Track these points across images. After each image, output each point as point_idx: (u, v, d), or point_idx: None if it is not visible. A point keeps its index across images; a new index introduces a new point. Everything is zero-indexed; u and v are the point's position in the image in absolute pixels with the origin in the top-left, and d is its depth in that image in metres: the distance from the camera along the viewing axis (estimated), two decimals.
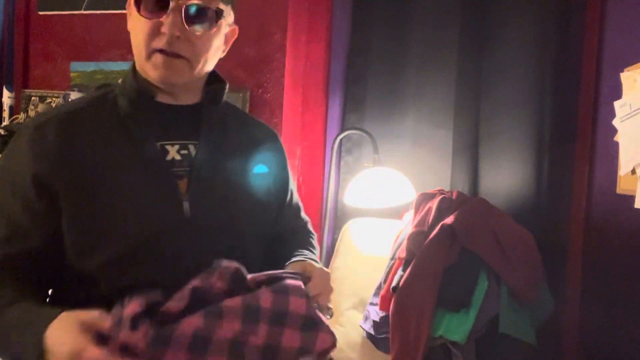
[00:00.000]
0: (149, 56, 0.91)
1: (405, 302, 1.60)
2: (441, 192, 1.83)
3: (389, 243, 1.82)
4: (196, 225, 0.93)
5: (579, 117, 1.89)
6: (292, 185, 1.17)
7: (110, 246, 0.88)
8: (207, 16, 0.91)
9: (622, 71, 1.69)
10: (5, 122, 2.22)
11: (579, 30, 1.89)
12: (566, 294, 1.87)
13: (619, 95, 1.70)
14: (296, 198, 1.19)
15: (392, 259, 1.76)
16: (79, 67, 2.26)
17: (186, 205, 0.92)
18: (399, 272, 1.67)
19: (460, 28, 2.00)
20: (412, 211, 1.82)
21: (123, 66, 2.23)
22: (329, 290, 0.95)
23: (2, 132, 2.01)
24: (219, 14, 0.92)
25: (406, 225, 1.81)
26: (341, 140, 2.07)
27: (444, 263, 1.61)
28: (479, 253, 1.61)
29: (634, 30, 1.70)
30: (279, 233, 1.11)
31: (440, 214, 1.70)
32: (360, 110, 2.14)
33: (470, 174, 2.02)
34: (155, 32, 0.89)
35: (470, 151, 2.02)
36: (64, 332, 0.76)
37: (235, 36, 1.04)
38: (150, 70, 0.92)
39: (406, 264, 1.65)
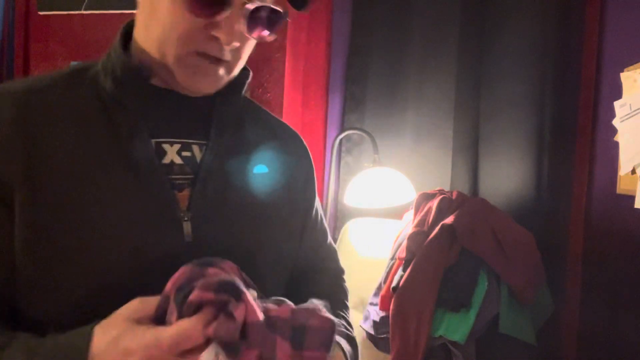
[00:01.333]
0: (182, 58, 0.69)
1: (405, 302, 1.60)
2: (441, 192, 1.83)
3: (389, 243, 1.82)
4: (200, 252, 0.66)
5: (579, 117, 1.89)
6: (317, 202, 0.92)
7: (74, 283, 0.63)
8: (274, 21, 0.71)
9: (622, 71, 1.69)
10: None
11: (579, 30, 1.89)
12: (566, 294, 1.87)
13: (619, 95, 1.70)
14: (321, 219, 0.94)
15: (392, 259, 1.76)
16: None
17: (187, 226, 0.69)
18: (399, 272, 1.67)
19: (460, 28, 2.00)
20: (412, 211, 1.82)
21: None
22: None
23: None
24: (285, 15, 0.72)
25: (406, 225, 1.80)
26: (341, 140, 2.07)
27: (444, 263, 1.61)
28: (479, 253, 1.61)
29: (634, 30, 1.70)
30: (297, 267, 0.86)
31: (440, 214, 1.70)
32: (360, 110, 2.14)
33: (470, 174, 2.02)
34: (201, 33, 0.67)
35: (470, 151, 2.02)
36: (119, 338, 0.56)
37: None
38: (181, 74, 0.69)
39: (406, 264, 1.65)
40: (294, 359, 0.62)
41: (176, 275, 0.61)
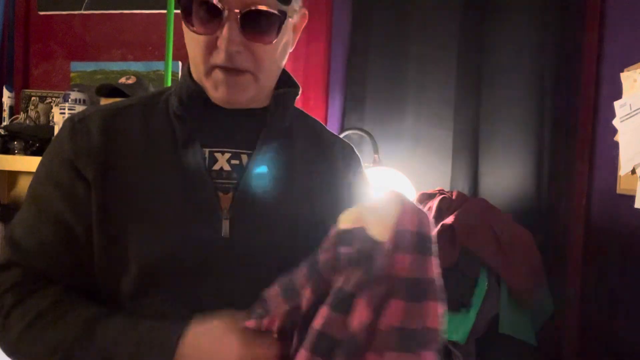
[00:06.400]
0: (208, 73, 0.78)
1: None
2: (441, 192, 1.83)
3: None
4: (235, 248, 0.79)
5: (579, 117, 1.89)
6: None
7: (131, 264, 0.76)
8: (269, 23, 0.76)
9: (622, 71, 1.69)
10: (5, 122, 2.21)
11: (579, 30, 1.89)
12: (566, 294, 1.87)
13: (619, 95, 1.70)
14: None
15: None
16: (79, 67, 2.26)
17: (226, 224, 0.79)
18: None
19: (460, 28, 2.00)
20: None
21: (123, 66, 2.23)
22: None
23: (2, 132, 2.01)
24: (282, 15, 0.76)
25: None
26: None
27: (444, 263, 1.60)
28: (479, 253, 1.61)
29: (634, 30, 1.70)
30: None
31: (440, 214, 1.70)
32: (360, 110, 2.14)
33: (470, 174, 2.02)
34: (212, 46, 0.76)
35: (470, 151, 2.02)
36: (214, 338, 0.69)
37: (306, 21, 0.88)
38: (211, 89, 0.79)
39: None
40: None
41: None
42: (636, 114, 1.64)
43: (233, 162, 0.83)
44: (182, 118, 0.82)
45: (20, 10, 2.34)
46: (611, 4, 1.81)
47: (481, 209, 1.72)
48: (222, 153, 0.83)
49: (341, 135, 2.02)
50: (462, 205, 1.72)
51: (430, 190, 1.86)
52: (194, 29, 0.75)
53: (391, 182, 1.88)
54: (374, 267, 0.65)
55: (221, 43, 0.74)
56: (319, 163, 0.90)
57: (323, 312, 0.67)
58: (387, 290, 0.66)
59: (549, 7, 1.91)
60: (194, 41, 0.77)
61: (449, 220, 1.64)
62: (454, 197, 1.77)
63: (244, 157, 0.84)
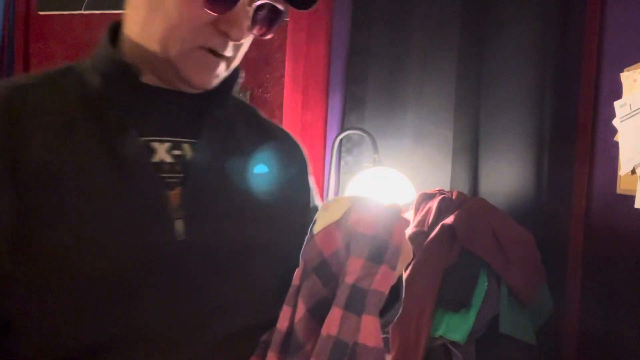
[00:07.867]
0: (189, 52, 0.68)
1: (405, 302, 1.60)
2: (441, 192, 1.83)
3: None
4: (193, 251, 0.67)
5: (579, 117, 1.89)
6: (318, 200, 0.89)
7: (67, 283, 0.60)
8: (273, 19, 0.72)
9: (622, 71, 1.69)
10: None
11: (578, 30, 1.89)
12: (566, 294, 1.87)
13: (619, 95, 1.70)
14: None
15: None
16: None
17: (179, 224, 0.67)
18: None
19: (460, 28, 2.00)
20: (412, 211, 1.82)
21: None
22: None
23: None
24: (284, 15, 0.72)
25: None
26: (341, 140, 2.07)
27: (444, 263, 1.61)
28: (479, 253, 1.61)
29: (634, 30, 1.70)
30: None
31: (440, 214, 1.70)
32: (360, 110, 2.14)
33: (470, 174, 2.02)
34: (208, 28, 0.67)
35: (470, 151, 2.02)
36: None
37: None
38: (185, 68, 0.69)
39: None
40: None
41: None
42: (636, 114, 1.64)
43: (174, 152, 0.71)
44: (109, 99, 0.68)
45: (20, 10, 2.34)
46: (611, 4, 1.81)
47: (481, 209, 1.72)
48: (161, 142, 0.71)
49: (341, 135, 2.03)
50: (462, 205, 1.72)
51: (430, 190, 1.86)
52: (205, 3, 0.65)
53: (391, 182, 1.88)
54: (319, 270, 0.66)
55: (231, 29, 0.67)
56: (263, 151, 0.81)
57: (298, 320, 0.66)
58: (333, 295, 0.63)
59: (549, 8, 1.91)
60: (185, 14, 0.66)
61: (449, 220, 1.64)
62: (454, 197, 1.77)
63: (186, 147, 0.72)
